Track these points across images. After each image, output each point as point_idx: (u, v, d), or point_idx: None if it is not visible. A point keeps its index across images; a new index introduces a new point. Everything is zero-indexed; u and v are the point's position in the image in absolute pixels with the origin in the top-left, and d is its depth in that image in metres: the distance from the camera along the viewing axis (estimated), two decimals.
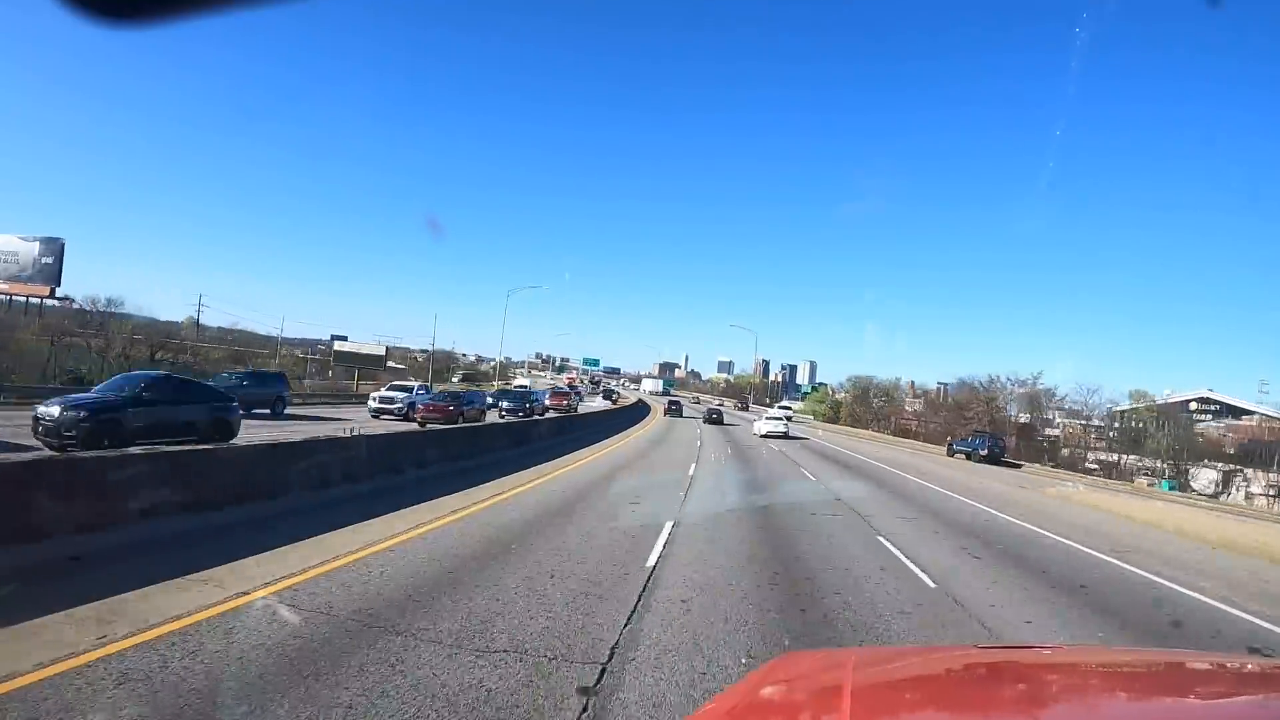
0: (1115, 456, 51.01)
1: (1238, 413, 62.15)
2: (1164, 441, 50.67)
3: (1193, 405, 63.39)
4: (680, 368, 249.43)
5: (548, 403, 37.00)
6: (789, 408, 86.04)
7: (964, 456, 37.27)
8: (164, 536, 6.26)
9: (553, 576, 6.26)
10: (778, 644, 4.96)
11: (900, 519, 12.13)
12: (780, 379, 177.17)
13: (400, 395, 24.05)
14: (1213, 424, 59.61)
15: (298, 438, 10.22)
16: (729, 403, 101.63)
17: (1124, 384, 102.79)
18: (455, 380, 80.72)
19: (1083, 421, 58.79)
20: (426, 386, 26.18)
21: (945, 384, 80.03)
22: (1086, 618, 6.78)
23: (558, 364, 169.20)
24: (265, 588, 5.18)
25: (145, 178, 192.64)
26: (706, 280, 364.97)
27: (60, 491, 5.77)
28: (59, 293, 49.62)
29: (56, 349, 42.58)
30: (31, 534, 5.40)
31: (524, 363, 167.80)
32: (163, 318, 68.92)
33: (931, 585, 7.28)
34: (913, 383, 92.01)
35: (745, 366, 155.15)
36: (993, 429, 59.18)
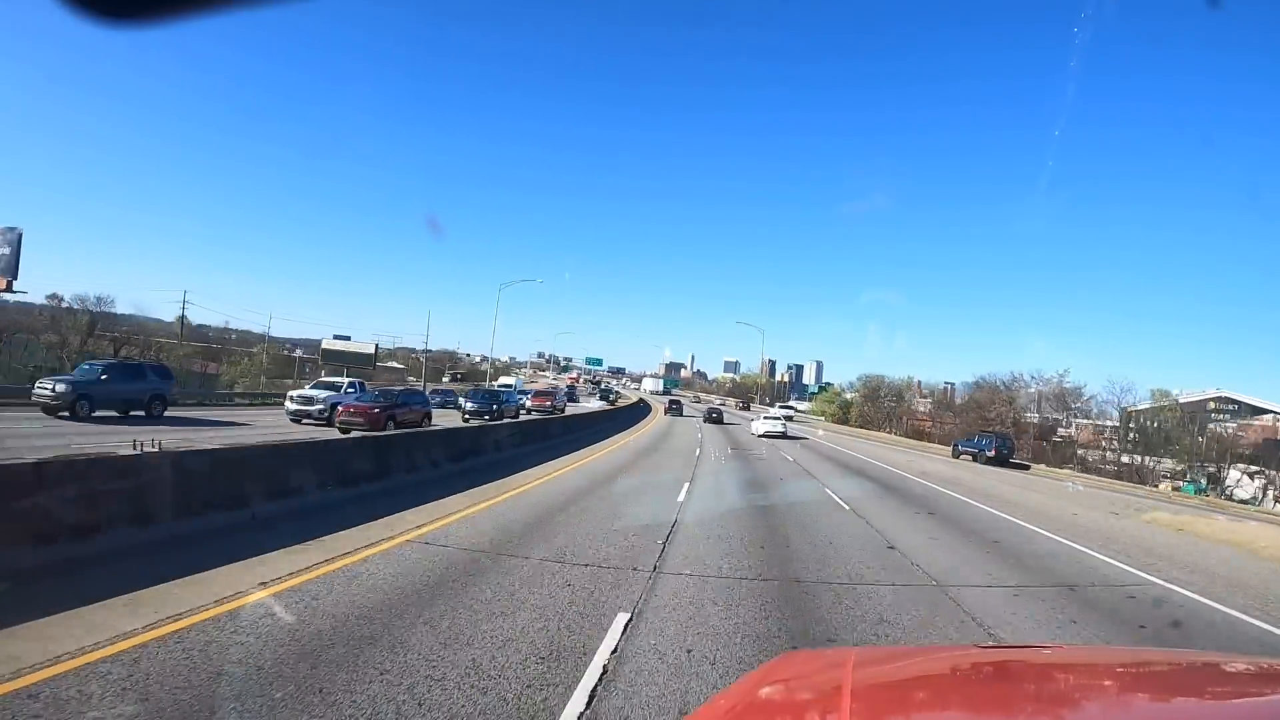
0: (1136, 458, 47.71)
1: (1254, 412, 58.24)
2: (1185, 442, 47.98)
3: (1210, 405, 59.82)
4: (686, 368, 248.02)
5: (529, 403, 33.33)
6: (792, 407, 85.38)
7: (970, 458, 35.38)
8: None
9: None
10: None
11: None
12: (786, 379, 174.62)
13: (322, 395, 19.97)
14: (1230, 424, 55.98)
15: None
16: (731, 402, 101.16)
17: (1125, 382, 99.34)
18: (445, 380, 77.28)
19: (1096, 422, 55.68)
20: (360, 384, 22.33)
21: (952, 383, 78.12)
22: None
23: (561, 364, 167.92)
24: None
25: (144, 175, 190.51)
26: (712, 281, 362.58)
27: None
28: (51, 290, 47.64)
29: (10, 345, 40.29)
30: None
31: (526, 363, 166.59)
32: (160, 317, 67.62)
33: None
34: (919, 382, 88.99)
35: (751, 366, 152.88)
36: (1017, 429, 56.07)
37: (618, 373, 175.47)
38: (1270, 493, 39.52)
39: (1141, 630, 6.46)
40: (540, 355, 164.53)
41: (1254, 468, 42.24)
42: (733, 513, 10.66)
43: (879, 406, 73.64)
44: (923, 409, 76.50)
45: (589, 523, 8.80)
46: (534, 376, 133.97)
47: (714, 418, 45.36)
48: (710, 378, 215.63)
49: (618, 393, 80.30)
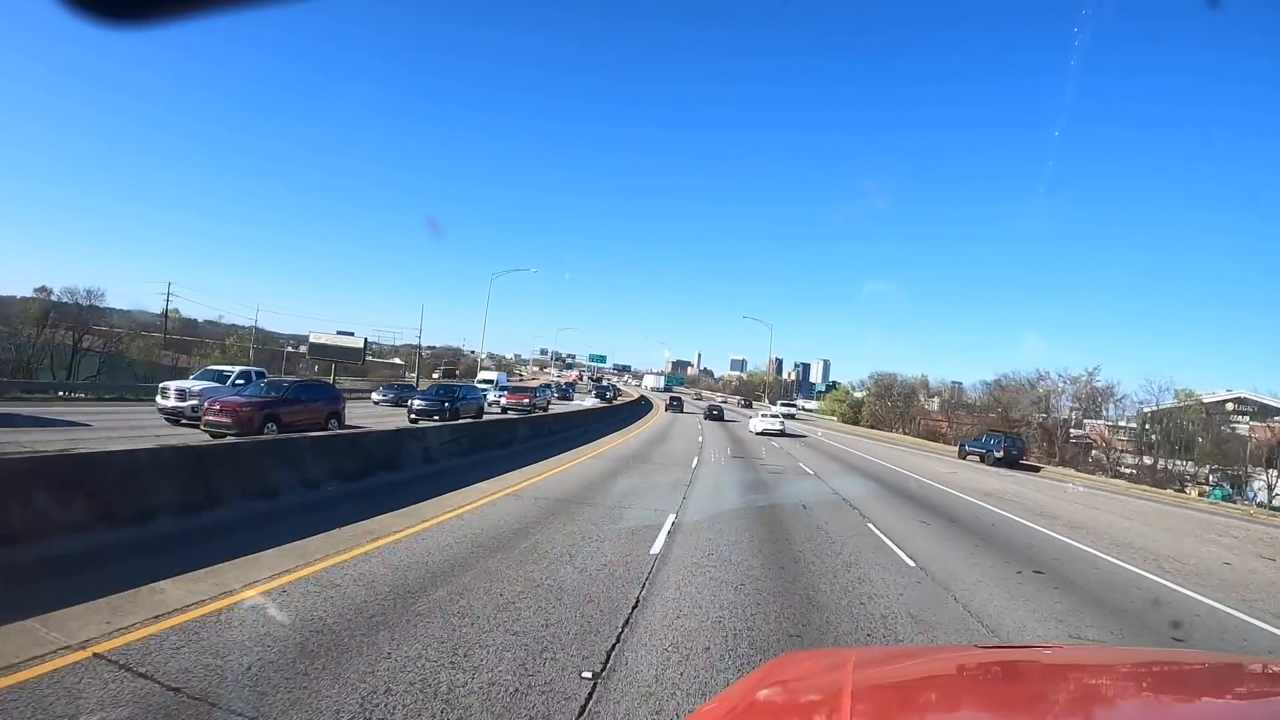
0: (1158, 460, 44.57)
1: (1273, 413, 54.32)
2: (1207, 444, 44.88)
3: (1229, 405, 55.95)
4: (692, 366, 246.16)
5: (504, 401, 29.44)
6: (799, 406, 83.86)
7: (978, 459, 33.33)
8: None
9: None
10: None
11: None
12: (794, 377, 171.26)
13: (198, 388, 15.56)
14: (1248, 426, 52.34)
15: None
16: (733, 399, 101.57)
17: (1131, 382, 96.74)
18: (435, 375, 73.93)
19: (1110, 423, 52.08)
20: (258, 373, 18.39)
21: (959, 382, 75.27)
22: None
23: (566, 361, 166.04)
24: None
25: (142, 172, 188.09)
26: (718, 279, 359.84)
27: None
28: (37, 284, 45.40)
29: None
30: None
31: (529, 360, 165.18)
32: (155, 311, 64.48)
33: None
34: (927, 381, 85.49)
35: (759, 364, 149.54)
36: (1044, 432, 52.32)
37: (623, 370, 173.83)
38: None
39: None
40: (543, 352, 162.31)
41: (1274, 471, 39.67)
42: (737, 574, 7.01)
43: (892, 406, 69.67)
44: (931, 407, 72.84)
45: (467, 627, 4.83)
46: (536, 374, 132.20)
47: (714, 415, 46.35)
48: (717, 376, 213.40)
49: (617, 390, 76.59)
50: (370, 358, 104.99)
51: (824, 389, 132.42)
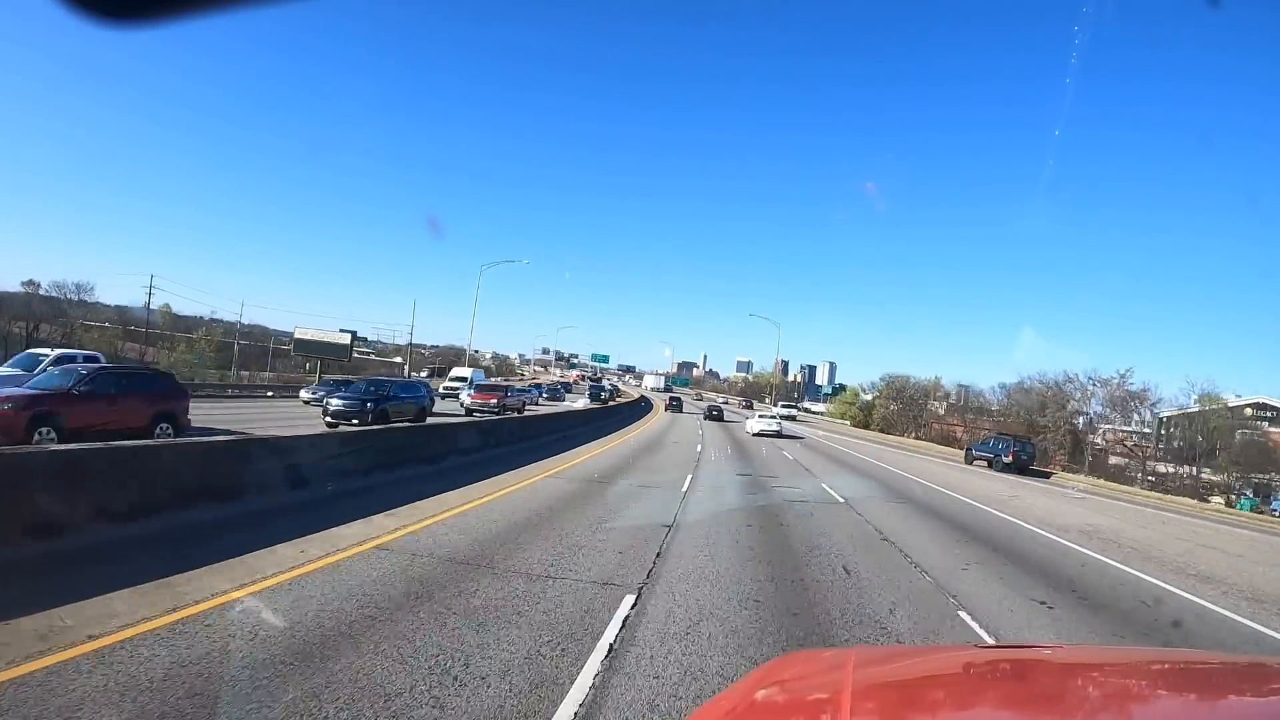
0: (1179, 467, 41.94)
1: None
2: (1229, 451, 41.69)
3: (1248, 410, 52.42)
4: (698, 367, 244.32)
5: (467, 400, 25.57)
6: (806, 408, 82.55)
7: (985, 464, 31.49)
8: None
9: None
10: None
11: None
12: (800, 379, 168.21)
13: None
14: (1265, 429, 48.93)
15: None
16: (734, 400, 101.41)
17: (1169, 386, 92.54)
18: (423, 374, 70.61)
19: (1125, 428, 49.06)
20: (90, 357, 14.68)
21: (965, 386, 72.67)
22: None
23: (568, 361, 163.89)
24: None
25: (133, 167, 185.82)
26: (724, 280, 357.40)
27: None
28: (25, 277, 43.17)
29: None
30: None
31: (531, 360, 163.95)
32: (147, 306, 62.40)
33: None
34: (940, 382, 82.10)
35: (765, 366, 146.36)
36: (1074, 437, 48.83)
37: (627, 370, 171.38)
38: None
39: None
40: (545, 352, 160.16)
41: None
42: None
43: (906, 409, 65.95)
44: (939, 410, 69.29)
45: None
46: (537, 373, 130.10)
47: (714, 415, 46.24)
48: (723, 377, 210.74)
49: (614, 389, 72.97)
50: (372, 355, 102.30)
51: (830, 391, 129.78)
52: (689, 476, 14.59)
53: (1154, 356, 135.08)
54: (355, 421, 16.11)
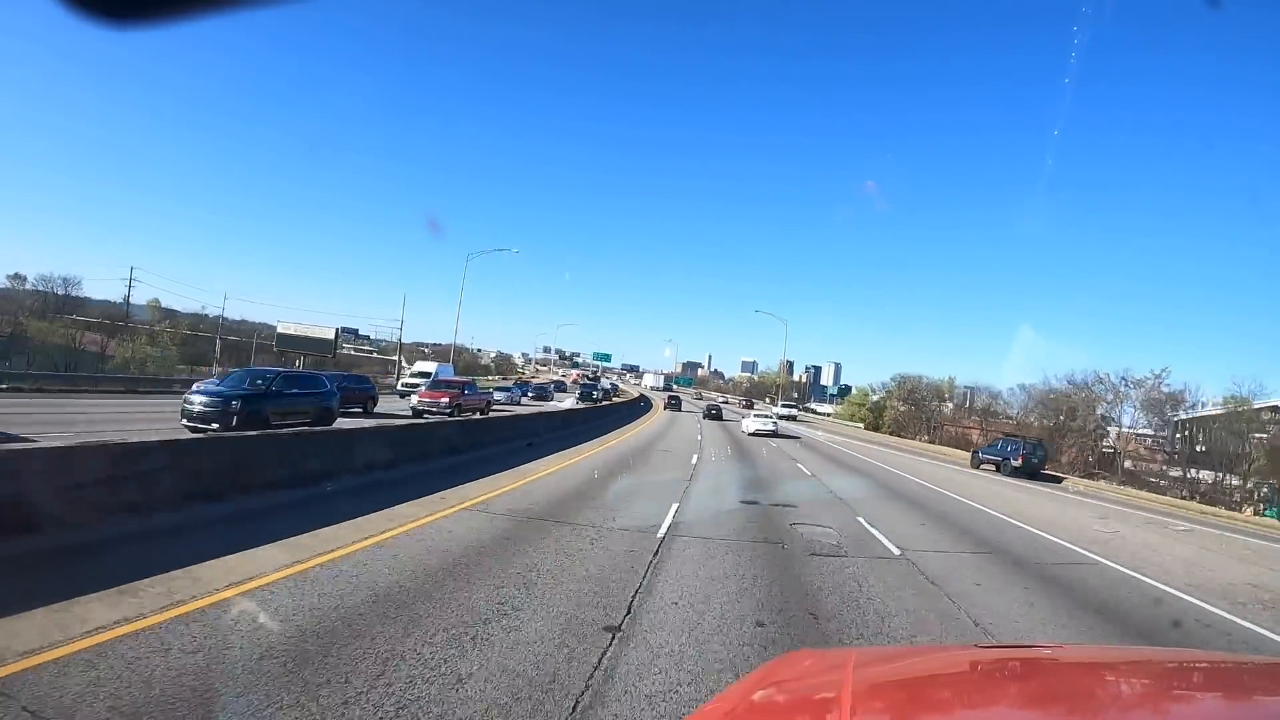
0: (1204, 473, 39.18)
1: None
2: (1260, 459, 38.18)
3: (1265, 414, 49.35)
4: (703, 367, 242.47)
5: (416, 401, 21.97)
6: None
7: (993, 468, 29.55)
8: None
9: None
10: None
11: None
12: (805, 379, 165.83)
13: None
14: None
15: None
16: (734, 400, 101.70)
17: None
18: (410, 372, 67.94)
19: (1137, 432, 46.17)
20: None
21: (970, 387, 70.63)
22: None
23: (571, 360, 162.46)
24: None
25: (130, 162, 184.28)
26: (726, 280, 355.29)
27: None
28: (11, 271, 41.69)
29: None
30: None
31: (533, 358, 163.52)
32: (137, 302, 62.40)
33: None
34: (954, 383, 79.06)
35: (770, 365, 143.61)
36: (1097, 441, 45.75)
37: (631, 369, 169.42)
38: None
39: None
40: (547, 350, 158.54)
41: None
42: None
43: (920, 410, 62.57)
44: (947, 409, 66.26)
45: None
46: (536, 372, 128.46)
47: (713, 414, 46.64)
48: (728, 377, 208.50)
49: (613, 388, 69.92)
50: (375, 354, 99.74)
51: (835, 392, 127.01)
52: (672, 509, 10.13)
53: (1153, 357, 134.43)
54: (216, 425, 12.45)
